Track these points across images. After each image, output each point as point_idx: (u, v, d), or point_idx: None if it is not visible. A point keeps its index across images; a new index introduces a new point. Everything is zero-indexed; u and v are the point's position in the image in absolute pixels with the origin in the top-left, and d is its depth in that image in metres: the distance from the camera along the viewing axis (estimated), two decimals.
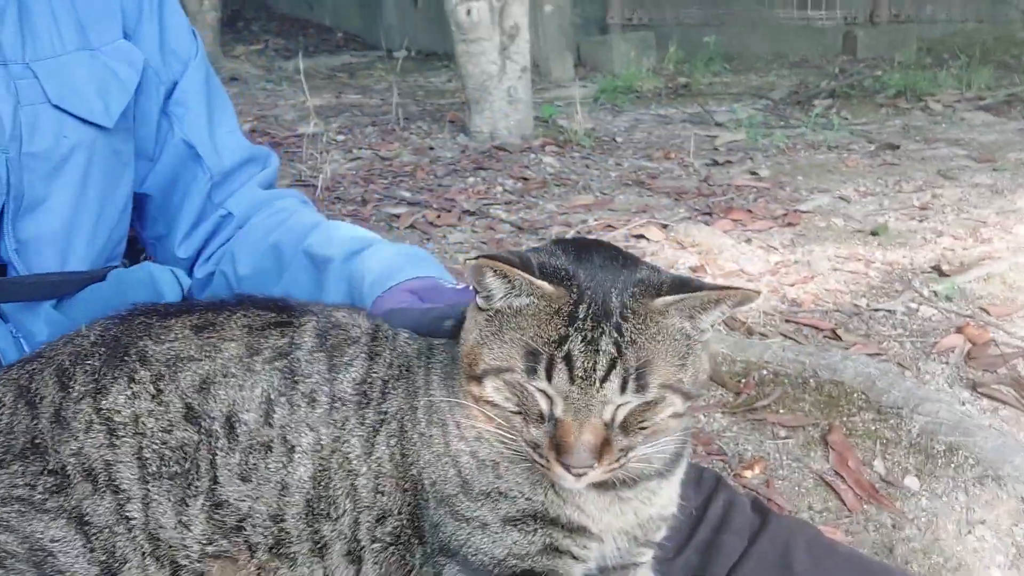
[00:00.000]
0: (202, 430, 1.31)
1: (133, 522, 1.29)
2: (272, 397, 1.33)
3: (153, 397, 1.33)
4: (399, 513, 1.31)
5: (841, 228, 3.83)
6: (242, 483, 1.30)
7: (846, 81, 6.99)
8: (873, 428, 2.34)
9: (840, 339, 2.81)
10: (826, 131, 5.50)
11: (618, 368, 1.14)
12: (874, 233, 3.71)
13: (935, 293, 3.11)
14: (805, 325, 2.92)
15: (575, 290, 1.17)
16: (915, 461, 2.22)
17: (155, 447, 1.31)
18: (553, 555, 1.28)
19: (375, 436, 1.32)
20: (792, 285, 3.23)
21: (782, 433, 2.36)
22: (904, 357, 2.69)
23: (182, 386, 1.34)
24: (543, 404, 1.17)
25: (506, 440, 1.21)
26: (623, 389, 1.14)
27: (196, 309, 1.49)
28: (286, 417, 1.32)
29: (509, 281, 1.18)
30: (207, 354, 1.38)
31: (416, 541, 1.31)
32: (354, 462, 1.31)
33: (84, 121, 1.66)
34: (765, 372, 2.57)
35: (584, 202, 4.32)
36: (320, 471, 1.31)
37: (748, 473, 2.22)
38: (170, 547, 1.30)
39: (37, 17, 1.64)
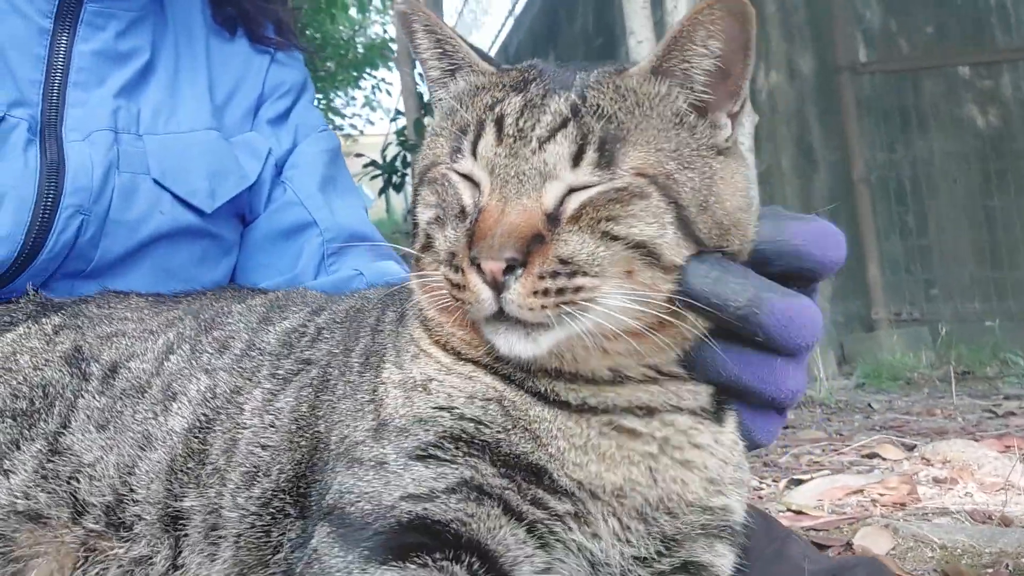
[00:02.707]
0: (77, 372, 1.14)
1: None
2: (174, 345, 1.15)
3: (45, 336, 1.20)
4: (279, 473, 1.00)
5: None
6: (96, 431, 1.08)
7: None
8: None
9: None
10: None
11: (570, 129, 0.83)
12: None
13: None
14: None
15: (531, 71, 0.93)
16: None
17: (14, 383, 1.14)
18: (472, 498, 0.83)
19: (284, 386, 1.07)
20: None
21: None
22: None
23: (87, 335, 1.19)
24: (467, 196, 0.88)
25: (434, 291, 0.92)
26: (577, 159, 0.82)
27: (178, 293, 1.39)
28: (181, 362, 1.12)
29: (440, 44, 0.95)
30: (140, 316, 1.24)
31: (293, 513, 0.97)
32: (247, 414, 1.06)
33: (183, 202, 1.62)
34: (1023, 561, 1.75)
35: (813, 437, 3.62)
36: (201, 423, 1.06)
37: None
38: None
39: (160, 93, 1.67)
